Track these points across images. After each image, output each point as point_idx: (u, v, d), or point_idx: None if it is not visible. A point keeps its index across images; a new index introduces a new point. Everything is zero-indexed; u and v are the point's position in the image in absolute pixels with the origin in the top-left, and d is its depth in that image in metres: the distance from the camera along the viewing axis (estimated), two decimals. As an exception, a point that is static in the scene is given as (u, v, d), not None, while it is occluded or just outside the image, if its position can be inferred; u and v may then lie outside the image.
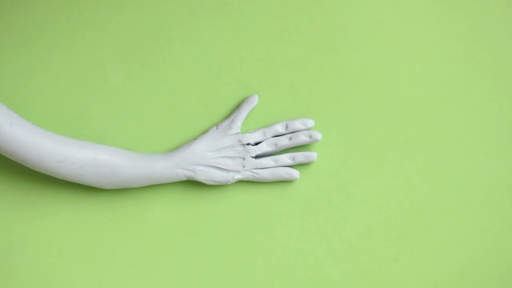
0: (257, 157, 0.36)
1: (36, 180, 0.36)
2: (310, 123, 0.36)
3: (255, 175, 0.36)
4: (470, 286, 0.36)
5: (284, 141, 0.36)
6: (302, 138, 0.36)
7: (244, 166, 0.35)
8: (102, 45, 0.36)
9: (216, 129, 0.36)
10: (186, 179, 0.35)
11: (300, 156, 0.36)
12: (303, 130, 0.36)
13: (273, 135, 0.36)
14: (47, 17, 0.36)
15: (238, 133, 0.36)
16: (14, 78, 0.36)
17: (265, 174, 0.36)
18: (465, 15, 0.37)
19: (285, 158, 0.36)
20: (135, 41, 0.36)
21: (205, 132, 0.36)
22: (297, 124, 0.36)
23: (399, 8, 0.37)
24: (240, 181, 0.36)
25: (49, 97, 0.36)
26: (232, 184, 0.36)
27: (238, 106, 0.36)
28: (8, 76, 0.36)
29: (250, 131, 0.36)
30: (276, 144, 0.36)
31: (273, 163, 0.36)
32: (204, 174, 0.35)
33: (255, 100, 0.36)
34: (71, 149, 0.34)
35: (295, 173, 0.36)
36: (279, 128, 0.36)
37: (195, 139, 0.36)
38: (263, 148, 0.36)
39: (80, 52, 0.36)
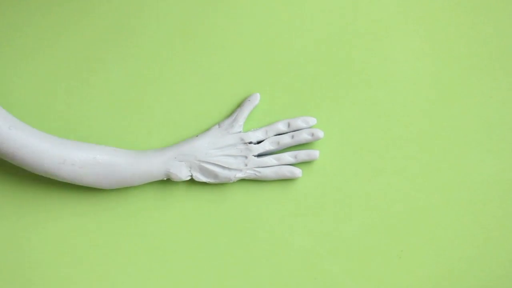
0: (259, 155, 0.36)
1: (36, 182, 0.36)
2: (312, 121, 0.36)
3: (257, 174, 0.36)
4: (472, 284, 0.36)
5: (286, 140, 0.36)
6: (304, 136, 0.36)
7: (246, 165, 0.35)
8: (102, 45, 0.36)
9: (219, 127, 0.36)
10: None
11: (302, 154, 0.36)
12: (305, 128, 0.36)
13: (275, 134, 0.36)
14: (46, 17, 0.36)
15: (240, 131, 0.35)
16: (12, 80, 0.36)
17: (267, 173, 0.36)
18: (466, 12, 0.37)
19: (287, 157, 0.36)
20: (135, 40, 0.36)
21: (207, 130, 0.36)
22: (299, 122, 0.36)
23: (401, 6, 0.37)
24: (242, 180, 0.36)
25: (48, 98, 0.36)
26: (234, 182, 0.36)
27: (240, 105, 0.36)
28: (6, 78, 0.36)
29: (252, 129, 0.36)
30: (278, 143, 0.36)
31: (275, 162, 0.36)
32: (206, 171, 0.35)
33: (257, 99, 0.36)
34: (70, 151, 0.34)
35: (297, 171, 0.36)
36: (281, 126, 0.36)
37: (197, 136, 0.36)
38: (265, 146, 0.36)
39: (81, 52, 0.36)
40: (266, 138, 0.36)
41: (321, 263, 0.36)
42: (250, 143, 0.36)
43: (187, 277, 0.36)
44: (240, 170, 0.35)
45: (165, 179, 0.35)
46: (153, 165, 0.35)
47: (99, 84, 0.36)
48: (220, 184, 0.36)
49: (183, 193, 0.36)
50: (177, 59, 0.36)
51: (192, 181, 0.36)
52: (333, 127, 0.36)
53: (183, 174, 0.35)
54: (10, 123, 0.34)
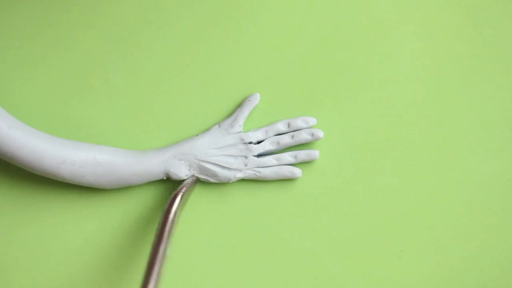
0: (259, 155, 0.36)
1: (36, 182, 0.36)
2: (312, 121, 0.36)
3: (257, 174, 0.36)
4: (472, 284, 0.36)
5: (286, 140, 0.36)
6: (304, 136, 0.36)
7: (246, 165, 0.35)
8: (102, 44, 0.36)
9: (219, 127, 0.36)
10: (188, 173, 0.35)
11: (302, 154, 0.36)
12: (305, 128, 0.36)
13: (275, 134, 0.36)
14: (45, 16, 0.36)
15: (240, 131, 0.35)
16: (12, 79, 0.36)
17: (267, 173, 0.36)
18: (466, 12, 0.37)
19: (287, 157, 0.36)
20: (135, 40, 0.36)
21: (207, 130, 0.36)
22: (299, 122, 0.36)
23: (401, 6, 0.37)
24: (242, 180, 0.36)
25: (48, 98, 0.36)
26: (234, 182, 0.36)
27: (240, 105, 0.36)
28: (5, 77, 0.36)
29: (252, 129, 0.36)
30: (278, 143, 0.36)
31: (275, 162, 0.36)
32: (205, 171, 0.35)
33: (257, 99, 0.36)
34: (70, 151, 0.34)
35: (297, 171, 0.36)
36: (281, 126, 0.36)
37: (196, 135, 0.36)
38: (265, 146, 0.36)
39: (80, 52, 0.36)
40: (266, 138, 0.36)
41: (321, 263, 0.36)
42: (250, 143, 0.36)
43: (186, 277, 0.36)
44: (240, 170, 0.35)
45: (164, 178, 0.35)
46: (153, 164, 0.35)
47: (99, 84, 0.36)
48: (220, 184, 0.36)
49: (183, 193, 0.36)
50: (177, 59, 0.36)
51: (192, 181, 0.36)
52: (333, 127, 0.36)
53: (182, 173, 0.35)
54: (10, 123, 0.34)
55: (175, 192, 0.33)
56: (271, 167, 0.36)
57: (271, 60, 0.36)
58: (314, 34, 0.37)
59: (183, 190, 0.34)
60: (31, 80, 0.36)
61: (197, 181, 0.35)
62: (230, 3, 0.36)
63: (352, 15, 0.37)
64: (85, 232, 0.36)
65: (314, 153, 0.36)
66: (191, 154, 0.35)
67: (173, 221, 0.32)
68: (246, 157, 0.35)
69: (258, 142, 0.36)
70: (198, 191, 0.36)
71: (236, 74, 0.36)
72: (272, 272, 0.36)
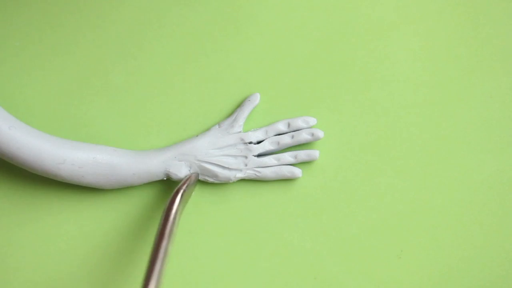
0: (259, 155, 0.36)
1: (36, 182, 0.36)
2: (312, 121, 0.36)
3: (257, 174, 0.36)
4: (473, 284, 0.36)
5: (286, 140, 0.36)
6: (304, 136, 0.36)
7: (246, 165, 0.35)
8: (102, 45, 0.36)
9: (219, 127, 0.36)
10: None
11: (302, 154, 0.36)
12: (305, 128, 0.36)
13: (275, 134, 0.36)
14: (46, 16, 0.36)
15: (240, 131, 0.35)
16: (12, 80, 0.36)
17: (267, 173, 0.36)
18: (466, 12, 0.37)
19: (287, 157, 0.36)
20: (136, 40, 0.36)
21: (207, 130, 0.36)
22: (299, 122, 0.36)
23: (401, 6, 0.37)
24: (242, 180, 0.36)
25: (48, 98, 0.36)
26: (234, 182, 0.36)
27: (240, 105, 0.36)
28: (5, 77, 0.36)
29: (252, 129, 0.36)
30: (278, 143, 0.36)
31: (275, 162, 0.36)
32: (206, 171, 0.35)
33: (257, 99, 0.36)
34: (70, 151, 0.34)
35: (297, 171, 0.36)
36: (281, 126, 0.36)
37: (196, 136, 0.36)
38: (265, 146, 0.36)
39: (80, 52, 0.36)
40: (266, 138, 0.36)
41: (321, 263, 0.36)
42: (250, 143, 0.36)
43: (186, 277, 0.36)
44: (240, 170, 0.35)
45: (165, 179, 0.35)
46: (153, 165, 0.35)
47: (99, 84, 0.36)
48: (220, 184, 0.36)
49: (183, 193, 0.36)
50: (177, 59, 0.36)
51: (192, 181, 0.36)
52: (333, 127, 0.36)
53: (183, 173, 0.35)
54: (10, 123, 0.34)
55: (176, 189, 0.33)
56: (271, 167, 0.36)
57: (271, 60, 0.36)
58: (314, 34, 0.37)
59: (183, 188, 0.34)
60: (31, 80, 0.36)
61: (198, 177, 0.35)
62: (230, 4, 0.37)
63: (352, 15, 0.37)
64: (85, 232, 0.36)
65: (314, 153, 0.36)
66: (191, 155, 0.35)
67: (174, 218, 0.32)
68: (246, 157, 0.35)
69: (258, 142, 0.36)
70: (198, 192, 0.36)
71: (236, 74, 0.36)
72: (272, 272, 0.36)
